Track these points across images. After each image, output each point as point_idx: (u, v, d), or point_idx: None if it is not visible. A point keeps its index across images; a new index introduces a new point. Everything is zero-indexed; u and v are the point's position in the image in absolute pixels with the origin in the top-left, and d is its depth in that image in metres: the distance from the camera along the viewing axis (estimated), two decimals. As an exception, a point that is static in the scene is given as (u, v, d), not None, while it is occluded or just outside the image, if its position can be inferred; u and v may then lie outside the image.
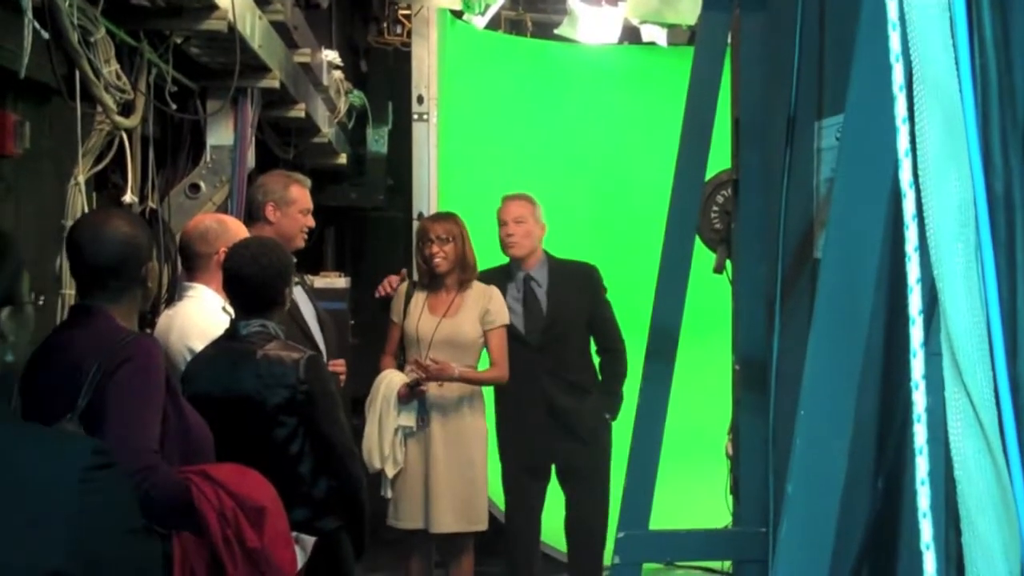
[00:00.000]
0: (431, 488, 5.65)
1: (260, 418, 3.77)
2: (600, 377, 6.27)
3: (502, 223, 6.14)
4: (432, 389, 5.63)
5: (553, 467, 6.30)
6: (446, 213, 6.20)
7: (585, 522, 6.27)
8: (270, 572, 3.11)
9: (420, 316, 5.78)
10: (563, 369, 6.11)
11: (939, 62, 1.17)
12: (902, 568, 2.10)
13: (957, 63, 1.15)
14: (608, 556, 6.11)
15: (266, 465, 3.48)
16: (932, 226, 1.17)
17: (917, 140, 1.19)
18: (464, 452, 5.72)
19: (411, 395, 5.58)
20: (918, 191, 1.17)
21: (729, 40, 3.30)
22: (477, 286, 5.86)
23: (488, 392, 6.11)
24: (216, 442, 3.48)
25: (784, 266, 2.77)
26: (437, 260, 5.75)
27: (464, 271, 5.82)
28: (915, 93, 1.20)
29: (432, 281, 5.83)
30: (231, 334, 3.90)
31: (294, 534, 3.30)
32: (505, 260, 6.26)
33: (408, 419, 5.60)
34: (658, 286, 3.26)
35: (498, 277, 6.13)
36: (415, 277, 6.03)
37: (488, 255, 6.36)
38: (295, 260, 4.14)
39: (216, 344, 3.93)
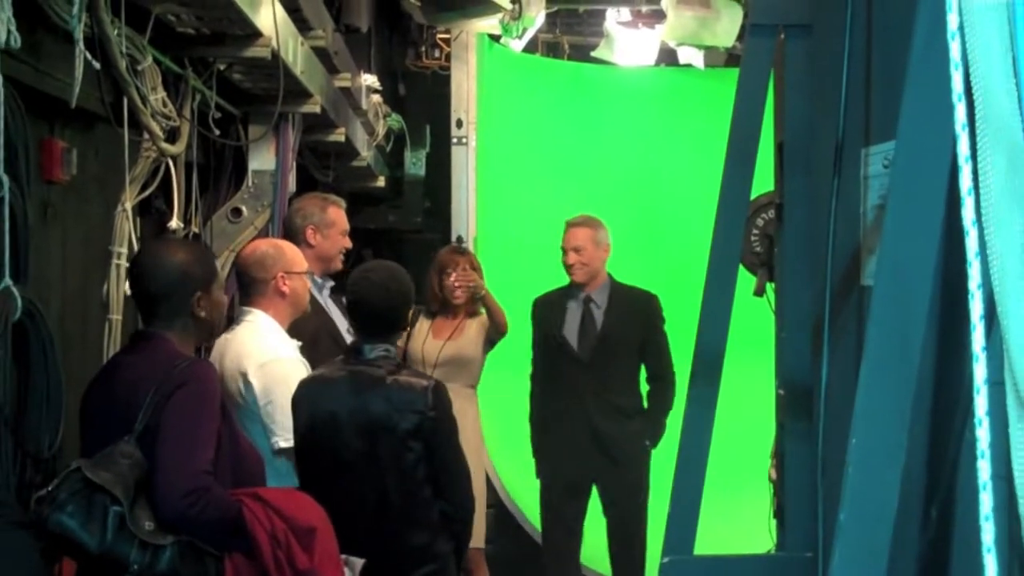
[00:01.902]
0: None
1: (390, 442, 3.81)
2: (646, 405, 6.29)
3: (564, 250, 6.26)
4: None
5: (594, 488, 6.32)
6: (464, 248, 6.68)
7: (624, 546, 6.29)
8: None
9: (425, 340, 6.10)
10: (609, 392, 6.16)
11: (1002, 102, 1.17)
12: (955, 598, 2.09)
13: (1020, 102, 1.16)
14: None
15: (393, 487, 3.66)
16: (996, 264, 1.17)
17: (980, 179, 1.19)
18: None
19: None
20: (980, 230, 1.17)
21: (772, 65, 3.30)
22: (482, 317, 6.21)
23: (521, 405, 6.37)
24: (332, 462, 3.70)
25: (831, 292, 2.77)
26: (458, 293, 6.12)
27: (475, 302, 6.19)
28: (978, 132, 1.20)
29: (442, 308, 6.16)
30: (355, 357, 3.94)
31: (343, 556, 3.32)
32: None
33: None
34: (703, 310, 3.26)
35: (559, 296, 6.32)
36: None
37: (527, 278, 6.41)
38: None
39: (338, 366, 3.95)
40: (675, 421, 6.02)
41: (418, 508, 3.84)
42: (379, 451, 3.81)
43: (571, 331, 6.19)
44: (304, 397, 3.90)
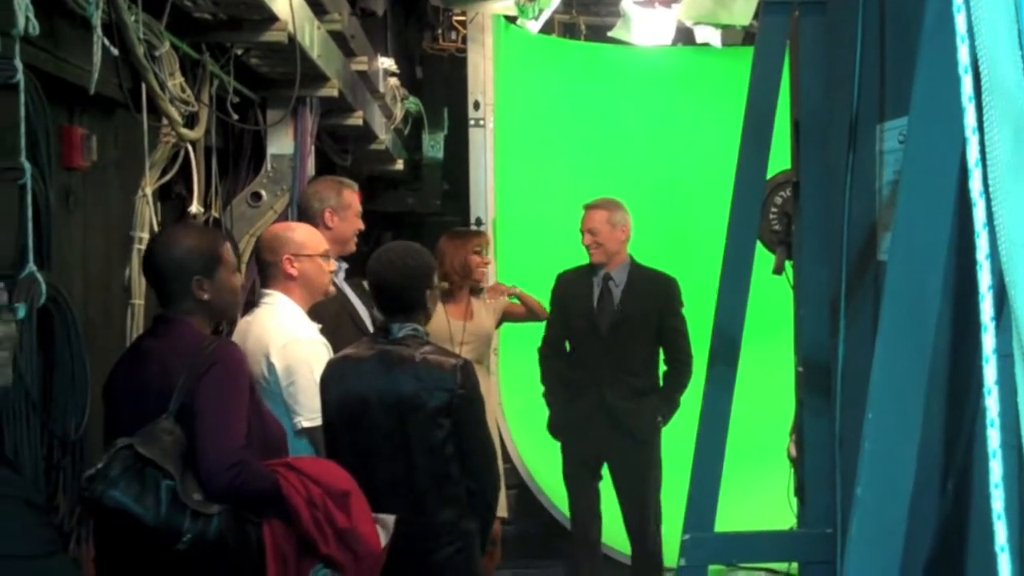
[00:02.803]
0: None
1: (419, 419, 3.87)
2: (662, 384, 6.37)
3: (582, 231, 6.38)
4: None
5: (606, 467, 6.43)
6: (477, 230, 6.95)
7: (639, 524, 6.38)
8: (360, 548, 3.31)
9: (449, 321, 6.22)
10: (624, 369, 6.24)
11: (1008, 74, 1.18)
12: (972, 571, 2.10)
13: (1027, 73, 1.17)
14: (668, 556, 6.20)
15: (422, 464, 3.74)
16: (1003, 235, 1.18)
17: (987, 150, 1.20)
18: None
19: None
20: (988, 200, 1.19)
21: (788, 42, 3.30)
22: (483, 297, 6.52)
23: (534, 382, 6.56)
24: (362, 440, 3.82)
25: (847, 268, 2.77)
26: (482, 270, 6.42)
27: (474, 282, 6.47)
28: (984, 104, 1.21)
29: (450, 289, 6.30)
30: (383, 336, 3.98)
31: (374, 515, 3.45)
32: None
33: None
34: (720, 289, 3.27)
35: (581, 273, 6.45)
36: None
37: (546, 258, 6.46)
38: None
39: (367, 346, 4.00)
40: (687, 399, 6.15)
41: (446, 485, 3.89)
42: (408, 429, 3.86)
43: (590, 307, 6.32)
44: (333, 377, 3.96)
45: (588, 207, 6.40)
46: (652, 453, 6.29)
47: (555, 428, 6.51)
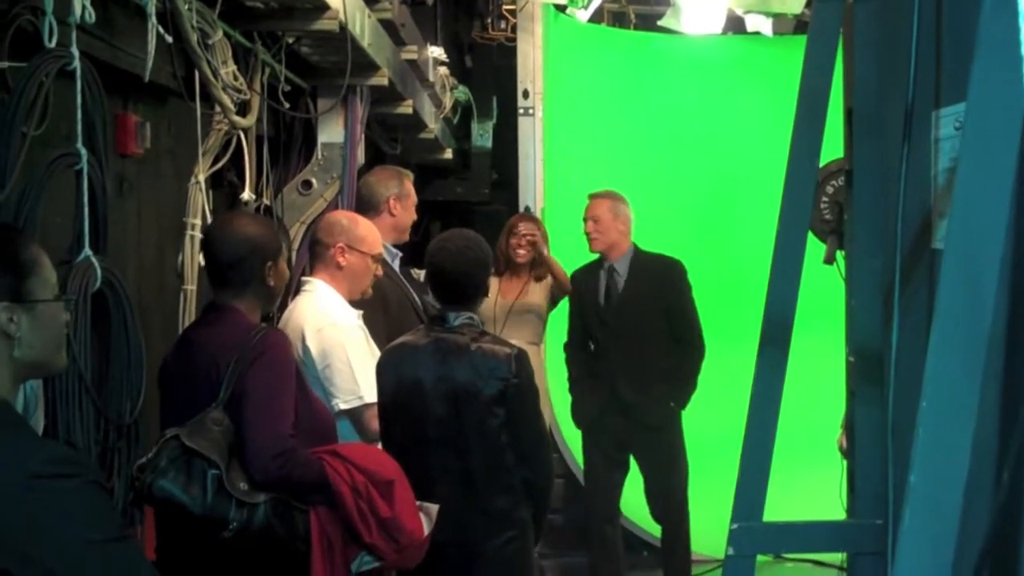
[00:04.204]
0: None
1: (474, 408, 3.90)
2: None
3: (584, 220, 6.51)
4: None
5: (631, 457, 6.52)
6: (531, 214, 7.23)
7: (661, 510, 6.47)
8: (402, 538, 3.32)
9: (496, 300, 6.46)
10: (636, 357, 6.32)
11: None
12: (1027, 561, 2.08)
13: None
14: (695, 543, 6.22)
15: (477, 452, 3.76)
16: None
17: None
18: None
19: None
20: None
21: (841, 30, 3.27)
22: (547, 280, 6.67)
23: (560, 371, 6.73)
24: (417, 427, 3.86)
25: (902, 257, 2.74)
26: (521, 251, 6.61)
27: (539, 266, 6.67)
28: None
29: (508, 269, 6.59)
30: (439, 324, 4.01)
31: (418, 503, 3.46)
32: None
33: None
34: (772, 275, 3.24)
35: (589, 269, 6.59)
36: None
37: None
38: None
39: (423, 333, 4.03)
40: (707, 386, 6.34)
41: (500, 474, 3.91)
42: (463, 417, 3.89)
43: (597, 300, 6.45)
44: (388, 363, 4.00)
45: (593, 196, 6.55)
46: (671, 440, 6.37)
47: (578, 419, 6.61)
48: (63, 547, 1.92)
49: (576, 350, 6.58)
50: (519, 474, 3.96)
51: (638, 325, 6.32)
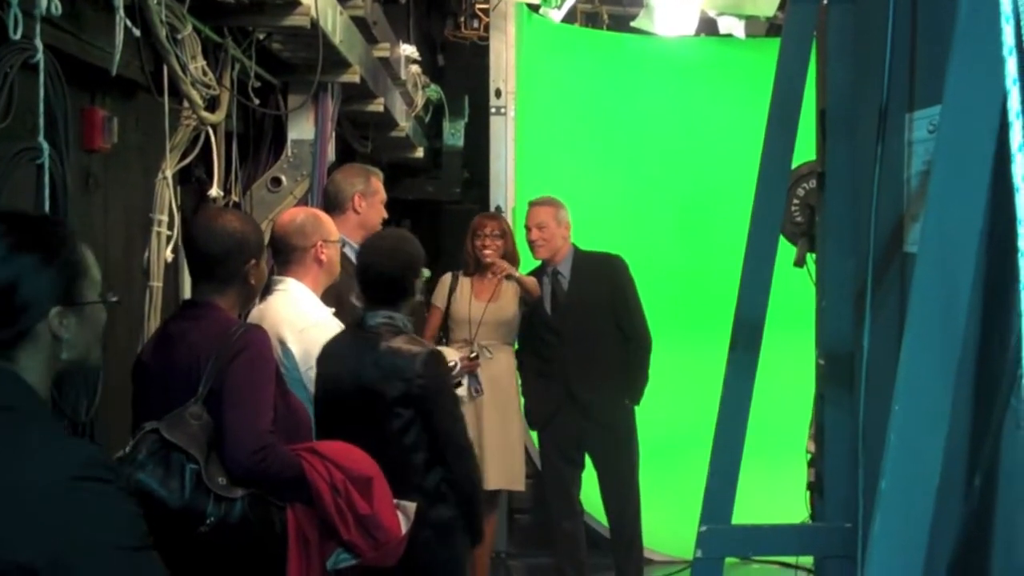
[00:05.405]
0: (483, 450, 6.01)
1: (377, 408, 3.87)
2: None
3: (527, 228, 6.51)
4: (484, 363, 6.23)
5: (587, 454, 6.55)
6: (495, 213, 7.11)
7: (615, 505, 6.50)
8: (380, 535, 3.34)
9: (469, 301, 6.36)
10: (586, 357, 6.34)
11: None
12: (997, 566, 2.07)
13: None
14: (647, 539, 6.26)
15: (379, 453, 3.63)
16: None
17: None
18: (508, 419, 6.34)
19: (469, 367, 5.95)
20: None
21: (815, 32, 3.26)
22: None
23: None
24: (336, 425, 3.81)
25: (874, 260, 2.74)
26: (487, 252, 6.39)
27: (510, 263, 6.47)
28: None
29: (478, 270, 6.43)
30: (360, 323, 4.00)
31: (396, 501, 3.48)
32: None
33: (461, 390, 5.80)
34: (743, 278, 3.24)
35: (534, 274, 6.57)
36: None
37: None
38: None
39: (348, 332, 4.03)
40: (657, 381, 6.41)
41: (408, 474, 3.83)
42: (370, 415, 3.86)
43: (545, 303, 6.46)
44: (321, 360, 3.99)
45: (534, 204, 6.55)
46: (624, 437, 6.41)
47: (531, 420, 6.62)
48: (93, 550, 1.89)
49: (528, 355, 6.59)
50: (441, 475, 3.92)
51: (587, 324, 6.36)
